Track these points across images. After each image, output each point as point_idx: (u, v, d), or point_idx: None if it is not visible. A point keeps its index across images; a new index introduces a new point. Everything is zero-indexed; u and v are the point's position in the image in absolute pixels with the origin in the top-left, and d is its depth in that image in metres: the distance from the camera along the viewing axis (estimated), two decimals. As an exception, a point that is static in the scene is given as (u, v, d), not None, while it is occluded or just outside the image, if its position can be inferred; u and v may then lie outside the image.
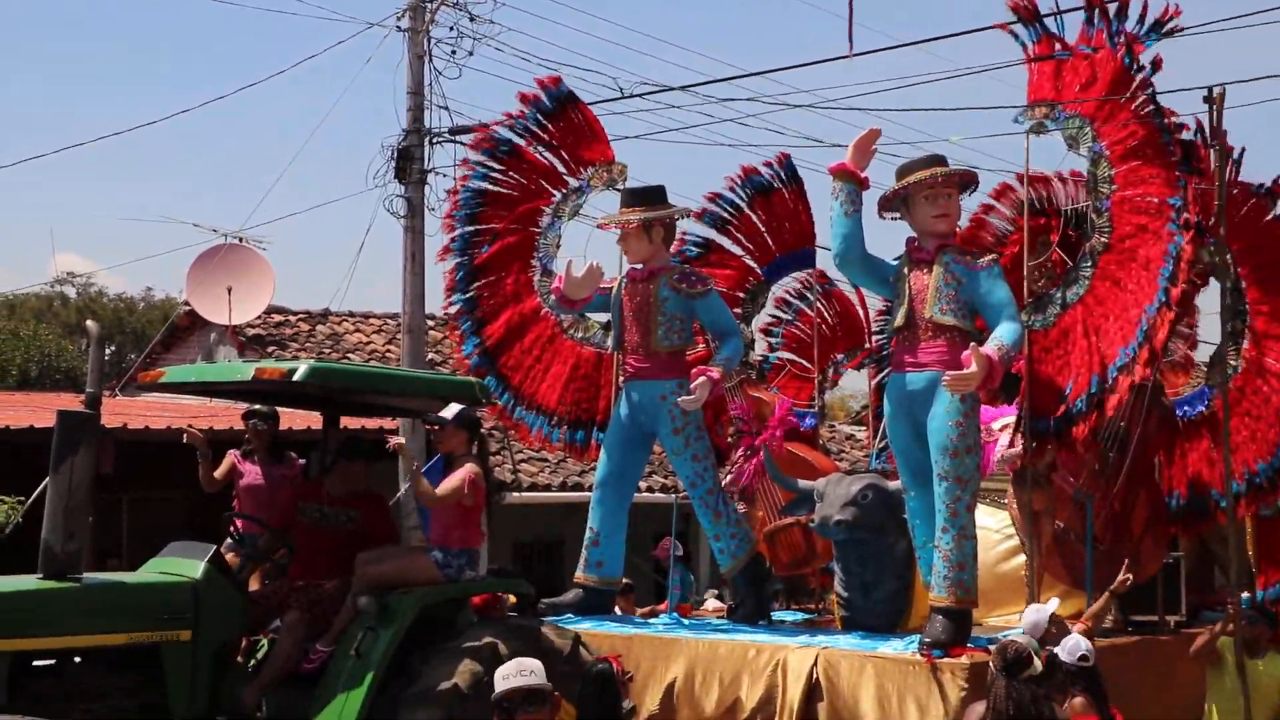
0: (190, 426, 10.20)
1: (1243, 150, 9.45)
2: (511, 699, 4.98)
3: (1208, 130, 8.62)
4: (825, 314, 11.87)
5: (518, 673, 4.98)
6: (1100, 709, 6.98)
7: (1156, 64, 8.46)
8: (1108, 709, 7.08)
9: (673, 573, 11.34)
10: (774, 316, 12.10)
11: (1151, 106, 8.37)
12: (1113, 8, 8.66)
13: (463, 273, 10.62)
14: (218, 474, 9.74)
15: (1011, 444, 9.14)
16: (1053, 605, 7.93)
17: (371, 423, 12.95)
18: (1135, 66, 8.47)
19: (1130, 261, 8.41)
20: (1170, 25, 8.56)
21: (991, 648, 6.49)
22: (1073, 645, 7.09)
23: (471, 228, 10.67)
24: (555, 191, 10.71)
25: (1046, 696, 6.17)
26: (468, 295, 10.58)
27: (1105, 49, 8.63)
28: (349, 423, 9.77)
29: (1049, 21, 8.88)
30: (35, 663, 6.78)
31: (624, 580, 10.22)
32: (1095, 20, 8.74)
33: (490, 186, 10.71)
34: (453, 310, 10.68)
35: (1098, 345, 8.42)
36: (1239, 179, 9.56)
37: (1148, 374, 8.43)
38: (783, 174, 11.33)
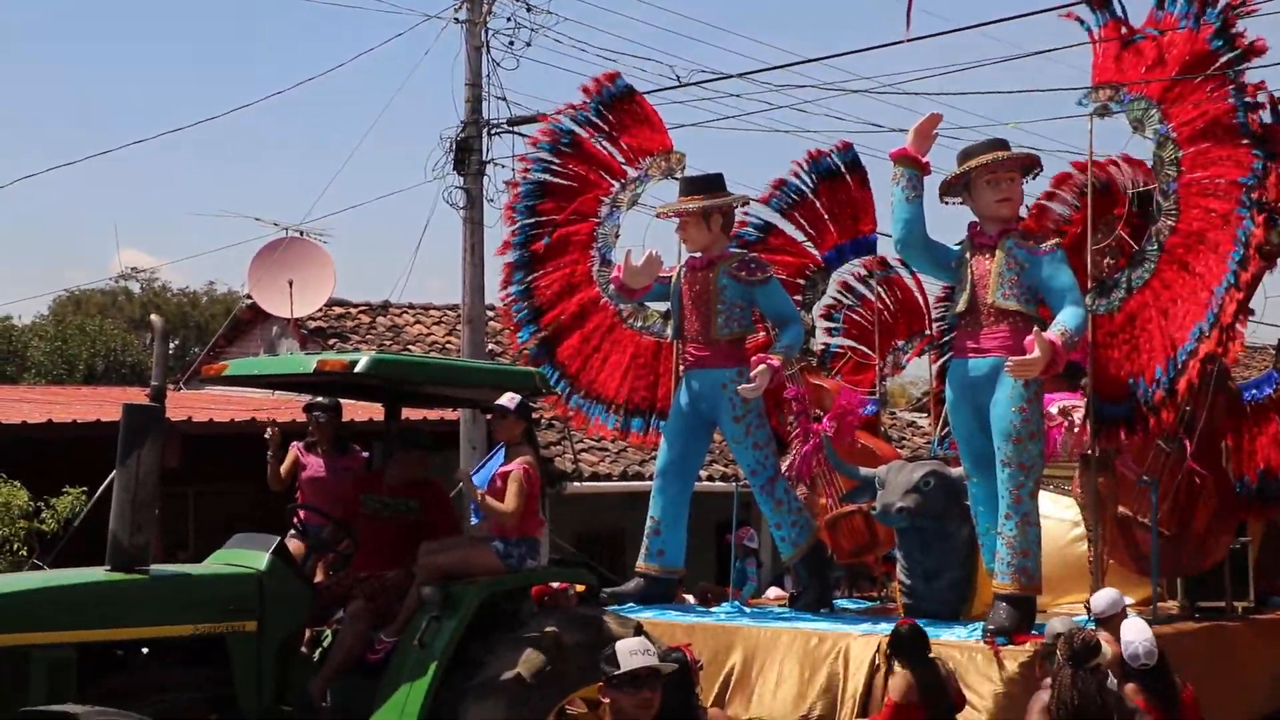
0: (273, 423, 10.23)
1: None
2: (635, 677, 4.90)
3: None
4: (886, 300, 11.81)
5: (643, 651, 4.92)
6: (1157, 700, 6.86)
7: (1250, 45, 8.31)
8: (1167, 700, 6.96)
9: (742, 562, 11.29)
10: (836, 299, 12.05)
11: (1232, 85, 8.24)
12: None
13: (518, 260, 10.66)
14: (283, 470, 9.80)
15: (1079, 430, 9.05)
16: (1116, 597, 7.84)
17: (433, 413, 13.01)
18: (1225, 44, 8.32)
19: (1199, 245, 8.30)
20: (1247, 5, 8.44)
21: (1059, 636, 6.43)
22: (1132, 652, 6.94)
23: (531, 219, 10.71)
24: (614, 181, 10.73)
25: (1110, 685, 6.11)
26: (524, 284, 10.62)
27: (1176, 30, 8.51)
28: (411, 413, 9.80)
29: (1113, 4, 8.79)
30: (107, 654, 6.85)
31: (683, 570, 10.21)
32: (1165, 3, 8.63)
33: (550, 178, 10.76)
34: (508, 299, 10.71)
35: (1168, 329, 8.32)
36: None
37: (1219, 351, 8.26)
38: (845, 160, 11.29)
